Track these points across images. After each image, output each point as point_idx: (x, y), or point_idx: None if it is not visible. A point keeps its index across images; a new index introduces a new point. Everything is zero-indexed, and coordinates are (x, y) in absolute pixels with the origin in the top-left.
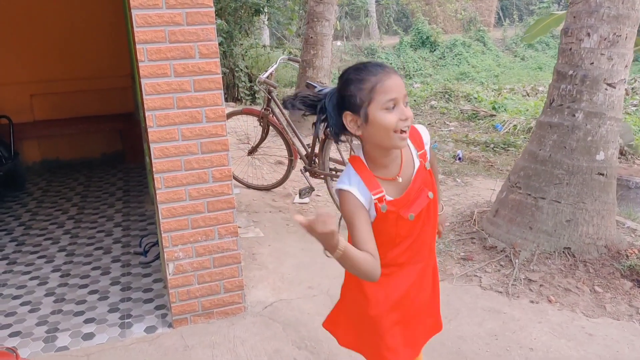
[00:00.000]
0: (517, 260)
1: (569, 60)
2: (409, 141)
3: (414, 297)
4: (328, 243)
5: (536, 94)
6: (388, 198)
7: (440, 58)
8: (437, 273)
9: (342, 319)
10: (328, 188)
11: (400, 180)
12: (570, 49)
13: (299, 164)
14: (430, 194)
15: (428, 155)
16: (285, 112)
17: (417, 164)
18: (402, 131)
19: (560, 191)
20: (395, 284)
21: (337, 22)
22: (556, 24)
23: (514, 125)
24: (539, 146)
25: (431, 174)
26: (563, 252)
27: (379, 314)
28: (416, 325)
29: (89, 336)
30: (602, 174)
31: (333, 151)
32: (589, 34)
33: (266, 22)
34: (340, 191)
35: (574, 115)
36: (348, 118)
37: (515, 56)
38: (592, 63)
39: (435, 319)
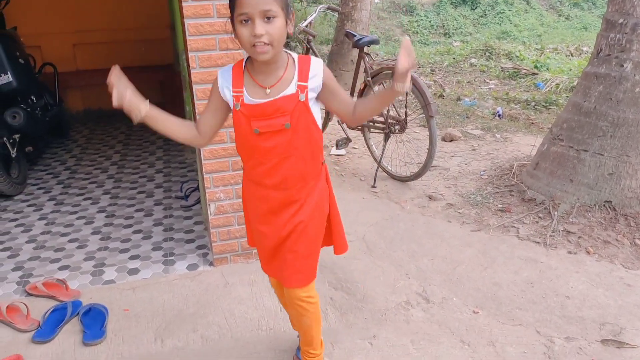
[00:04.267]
0: (556, 213)
1: (619, 8)
2: (296, 68)
3: (273, 221)
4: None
5: (580, 54)
6: (246, 101)
7: (481, 16)
8: (314, 206)
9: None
10: (365, 139)
11: (268, 92)
12: None
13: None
14: (287, 124)
15: (310, 89)
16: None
17: (291, 90)
18: (256, 45)
19: (604, 144)
20: (257, 198)
21: None
22: None
23: (557, 84)
24: (583, 97)
25: (308, 111)
26: (604, 205)
27: (244, 208)
28: (271, 248)
29: (134, 271)
30: None
31: None
32: None
33: None
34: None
35: (622, 66)
36: (229, 24)
37: (560, 15)
38: None
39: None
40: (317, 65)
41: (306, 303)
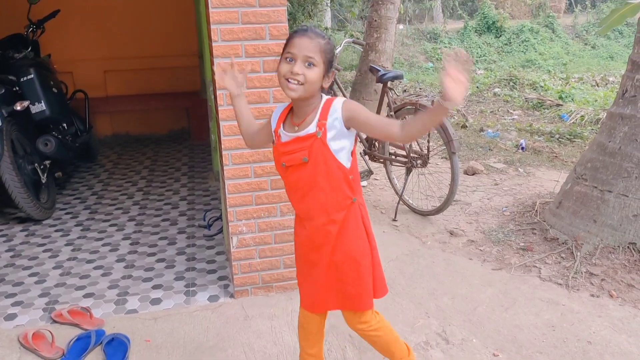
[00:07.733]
0: (579, 253)
1: None
2: (320, 108)
3: (305, 253)
4: None
5: (606, 84)
6: (281, 139)
7: (505, 44)
8: (343, 253)
9: None
10: (387, 172)
11: (296, 129)
12: None
13: (359, 147)
14: (305, 158)
15: (328, 125)
16: (347, 94)
17: (312, 128)
18: (289, 81)
19: (629, 185)
20: (297, 231)
21: (401, 5)
22: (632, 14)
23: (582, 116)
24: (608, 138)
25: (325, 147)
26: (628, 247)
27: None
28: (310, 284)
29: (156, 301)
30: None
31: None
32: None
33: (329, 4)
34: None
35: None
36: (276, 62)
37: (586, 44)
38: None
39: (342, 295)
40: (337, 103)
41: (372, 330)
